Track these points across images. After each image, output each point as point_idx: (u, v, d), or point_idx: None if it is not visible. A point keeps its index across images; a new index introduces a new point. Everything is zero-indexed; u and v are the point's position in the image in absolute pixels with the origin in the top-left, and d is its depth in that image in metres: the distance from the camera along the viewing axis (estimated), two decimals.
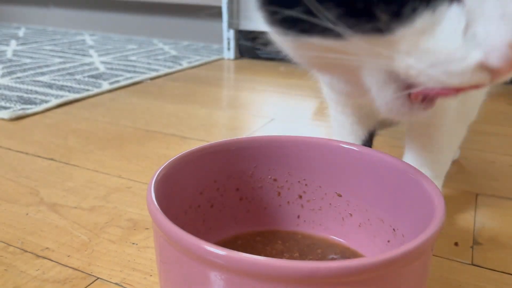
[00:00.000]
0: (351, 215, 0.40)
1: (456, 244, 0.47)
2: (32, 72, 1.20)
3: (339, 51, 0.26)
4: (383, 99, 0.28)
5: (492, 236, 0.48)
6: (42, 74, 1.18)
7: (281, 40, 0.30)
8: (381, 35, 0.24)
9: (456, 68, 0.23)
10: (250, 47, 1.45)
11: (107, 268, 0.42)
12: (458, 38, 0.23)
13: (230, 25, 1.41)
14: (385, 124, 0.85)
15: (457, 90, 0.25)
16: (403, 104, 0.27)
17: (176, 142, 0.74)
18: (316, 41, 0.26)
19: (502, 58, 0.22)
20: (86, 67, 1.27)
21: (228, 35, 1.44)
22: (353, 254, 0.39)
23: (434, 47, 0.23)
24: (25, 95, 0.98)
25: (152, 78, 1.18)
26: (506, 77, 0.25)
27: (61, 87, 1.05)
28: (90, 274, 0.41)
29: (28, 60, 1.34)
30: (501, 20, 0.22)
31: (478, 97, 0.49)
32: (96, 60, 1.38)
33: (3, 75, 1.15)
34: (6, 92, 0.99)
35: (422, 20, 0.23)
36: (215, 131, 0.80)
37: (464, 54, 0.23)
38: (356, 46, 0.25)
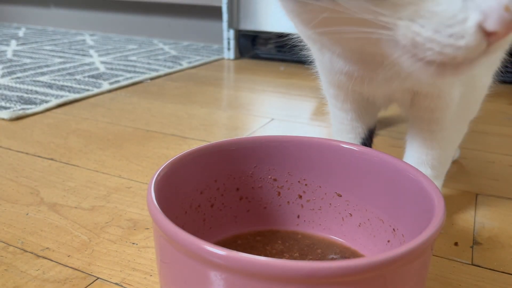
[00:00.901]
0: (351, 215, 0.40)
1: (456, 244, 0.47)
2: (32, 72, 1.20)
3: (345, 19, 0.27)
4: (410, 65, 0.28)
5: (492, 236, 0.48)
6: (42, 74, 1.18)
7: (291, 9, 0.31)
8: None
9: (458, 31, 0.24)
10: (250, 47, 1.45)
11: (107, 268, 0.42)
12: (458, 1, 0.24)
13: (230, 25, 1.41)
14: (384, 123, 0.85)
15: None
16: (434, 70, 0.27)
17: (176, 142, 0.74)
18: (324, 3, 0.27)
19: (498, 20, 0.23)
20: (86, 67, 1.27)
21: (228, 35, 1.44)
22: (353, 254, 0.39)
23: (436, 10, 0.24)
24: (25, 95, 0.98)
25: (152, 78, 1.18)
26: (503, 42, 0.25)
27: (61, 87, 1.05)
28: (90, 274, 0.41)
29: (28, 60, 1.34)
30: None
31: (481, 91, 0.49)
32: (96, 60, 1.38)
33: (3, 75, 1.15)
34: (6, 92, 0.99)
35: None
36: (215, 131, 0.80)
37: (465, 16, 0.24)
38: (360, 9, 0.26)
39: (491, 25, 0.24)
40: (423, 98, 0.44)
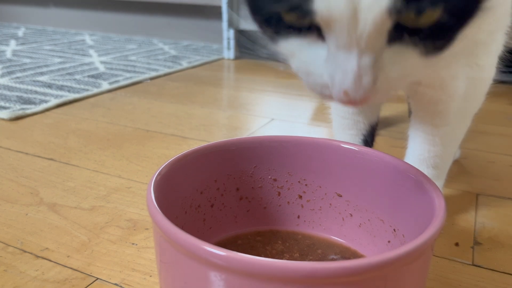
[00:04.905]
0: (351, 215, 0.40)
1: (456, 244, 0.47)
2: (31, 72, 1.20)
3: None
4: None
5: (492, 236, 0.48)
6: (42, 74, 1.18)
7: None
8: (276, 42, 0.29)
9: (318, 81, 0.28)
10: (250, 47, 1.45)
11: (106, 268, 0.42)
12: (320, 62, 0.28)
13: (230, 25, 1.41)
14: (385, 123, 0.84)
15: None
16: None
17: (176, 142, 0.74)
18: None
19: (337, 97, 0.27)
20: (86, 67, 1.27)
21: (228, 35, 1.44)
22: (353, 254, 0.39)
23: (307, 61, 0.29)
24: (24, 95, 0.98)
25: (152, 78, 1.18)
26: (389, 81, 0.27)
27: (60, 87, 1.05)
28: (90, 275, 0.41)
29: (27, 60, 1.34)
30: (343, 74, 0.26)
31: (486, 82, 0.46)
32: (96, 60, 1.38)
33: (3, 75, 1.15)
34: (6, 92, 0.99)
35: (293, 41, 0.28)
36: (215, 131, 0.80)
37: (322, 74, 0.28)
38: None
39: (334, 95, 0.27)
40: (426, 88, 0.42)
